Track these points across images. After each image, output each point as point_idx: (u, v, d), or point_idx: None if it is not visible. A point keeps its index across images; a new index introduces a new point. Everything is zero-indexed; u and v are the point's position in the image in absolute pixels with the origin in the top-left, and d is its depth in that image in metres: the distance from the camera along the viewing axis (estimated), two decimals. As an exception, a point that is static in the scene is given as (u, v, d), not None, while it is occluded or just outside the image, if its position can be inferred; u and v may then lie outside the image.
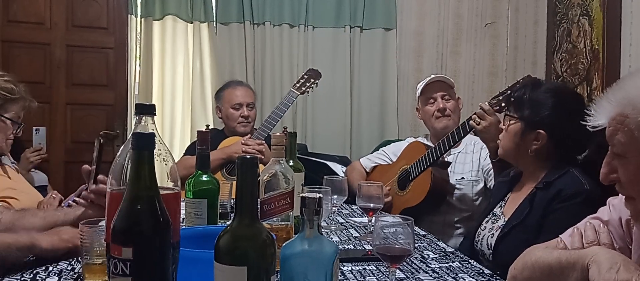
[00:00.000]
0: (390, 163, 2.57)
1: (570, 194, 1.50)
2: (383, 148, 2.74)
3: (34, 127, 2.78)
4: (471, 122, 2.01)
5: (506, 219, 1.66)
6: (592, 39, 2.80)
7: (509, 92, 1.98)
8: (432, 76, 2.51)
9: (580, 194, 1.49)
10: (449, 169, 2.28)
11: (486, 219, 1.76)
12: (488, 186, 2.27)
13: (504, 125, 1.73)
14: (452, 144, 2.15)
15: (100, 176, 1.47)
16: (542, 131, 1.61)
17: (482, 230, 1.74)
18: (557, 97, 1.66)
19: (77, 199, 1.52)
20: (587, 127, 1.04)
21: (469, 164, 2.36)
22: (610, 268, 0.90)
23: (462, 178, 2.31)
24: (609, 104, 1.00)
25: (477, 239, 1.75)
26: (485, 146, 2.21)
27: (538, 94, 1.66)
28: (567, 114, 1.59)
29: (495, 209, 1.77)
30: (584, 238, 1.12)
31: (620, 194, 1.10)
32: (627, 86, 1.00)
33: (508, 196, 1.77)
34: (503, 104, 1.98)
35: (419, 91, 2.50)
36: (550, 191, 1.54)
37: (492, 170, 2.14)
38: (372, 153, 2.86)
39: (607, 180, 1.04)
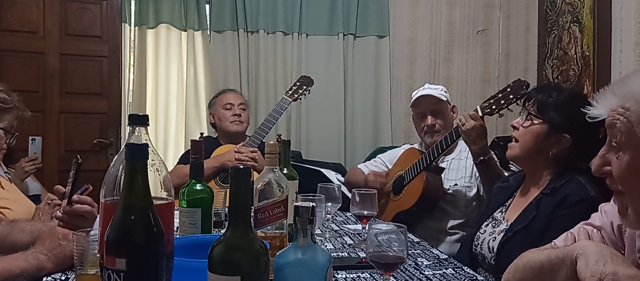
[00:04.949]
0: (387, 170, 2.58)
1: (577, 200, 1.50)
2: (379, 155, 2.75)
3: (30, 137, 2.77)
4: (457, 122, 2.07)
5: (509, 223, 1.66)
6: (582, 45, 2.82)
7: (499, 95, 2.01)
8: (425, 86, 2.49)
9: (586, 200, 1.49)
10: (443, 175, 2.30)
11: (485, 223, 1.76)
12: (481, 193, 2.28)
13: (522, 124, 1.70)
14: (444, 147, 2.18)
15: (74, 197, 1.46)
16: (567, 135, 1.62)
17: (482, 234, 1.74)
18: (580, 104, 1.67)
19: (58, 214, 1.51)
20: (587, 118, 1.04)
21: (462, 170, 2.37)
22: (598, 261, 0.90)
23: (456, 184, 2.33)
24: (613, 95, 1.00)
25: (476, 243, 1.75)
26: None
27: (563, 99, 1.66)
28: (589, 122, 1.61)
29: (495, 214, 1.77)
30: (577, 241, 1.13)
31: (612, 200, 1.12)
32: (632, 81, 1.00)
33: (509, 201, 1.77)
34: (494, 107, 2.00)
35: (412, 102, 2.52)
36: (557, 196, 1.55)
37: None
38: (367, 160, 2.87)
39: (599, 172, 1.04)
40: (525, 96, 1.89)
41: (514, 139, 1.73)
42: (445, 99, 2.44)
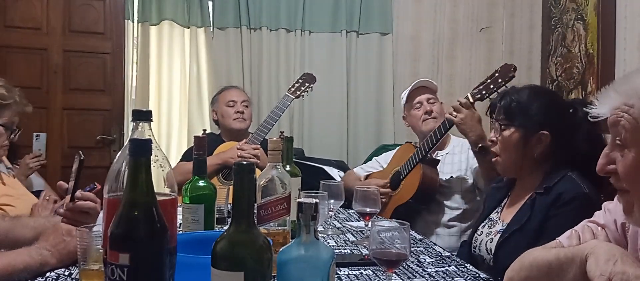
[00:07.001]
0: (382, 169, 2.60)
1: (570, 198, 1.51)
2: (375, 157, 2.78)
3: (34, 134, 2.78)
4: (448, 116, 2.10)
5: (504, 224, 1.66)
6: (586, 43, 2.82)
7: (488, 81, 2.07)
8: (415, 82, 2.55)
9: (580, 198, 1.49)
10: (438, 168, 2.32)
11: (482, 224, 1.77)
12: (478, 185, 2.30)
13: (497, 136, 1.71)
14: (439, 137, 2.22)
15: (77, 193, 1.46)
16: (545, 132, 1.63)
17: (479, 235, 1.75)
18: (543, 97, 1.70)
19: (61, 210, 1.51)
20: (589, 117, 1.04)
21: (456, 163, 2.41)
22: (608, 260, 0.90)
23: (451, 177, 2.35)
24: (615, 93, 1.00)
25: (474, 245, 1.75)
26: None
27: (526, 99, 1.67)
28: (559, 110, 1.65)
29: (491, 215, 1.78)
30: (582, 239, 1.12)
31: (615, 198, 1.11)
32: (635, 79, 1.00)
33: (504, 201, 1.78)
34: (484, 92, 2.06)
35: (404, 99, 2.55)
36: (551, 195, 1.55)
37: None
38: (369, 159, 2.88)
39: (604, 171, 1.03)
40: (513, 77, 1.96)
41: (496, 155, 1.74)
42: (435, 89, 2.55)
